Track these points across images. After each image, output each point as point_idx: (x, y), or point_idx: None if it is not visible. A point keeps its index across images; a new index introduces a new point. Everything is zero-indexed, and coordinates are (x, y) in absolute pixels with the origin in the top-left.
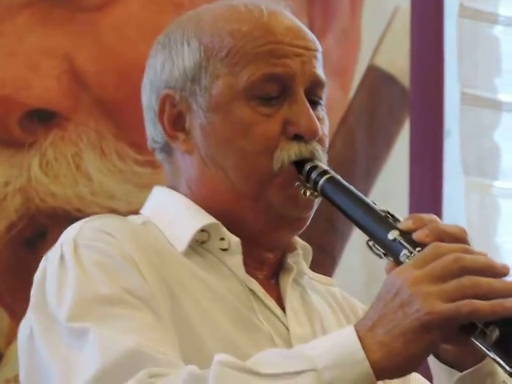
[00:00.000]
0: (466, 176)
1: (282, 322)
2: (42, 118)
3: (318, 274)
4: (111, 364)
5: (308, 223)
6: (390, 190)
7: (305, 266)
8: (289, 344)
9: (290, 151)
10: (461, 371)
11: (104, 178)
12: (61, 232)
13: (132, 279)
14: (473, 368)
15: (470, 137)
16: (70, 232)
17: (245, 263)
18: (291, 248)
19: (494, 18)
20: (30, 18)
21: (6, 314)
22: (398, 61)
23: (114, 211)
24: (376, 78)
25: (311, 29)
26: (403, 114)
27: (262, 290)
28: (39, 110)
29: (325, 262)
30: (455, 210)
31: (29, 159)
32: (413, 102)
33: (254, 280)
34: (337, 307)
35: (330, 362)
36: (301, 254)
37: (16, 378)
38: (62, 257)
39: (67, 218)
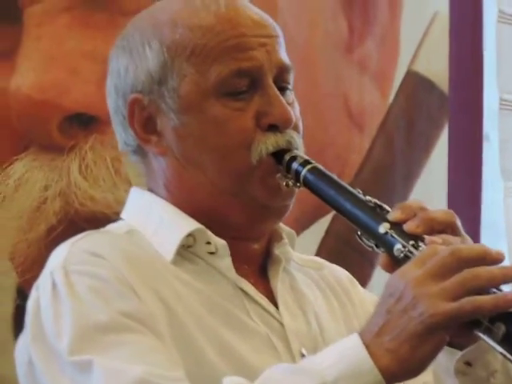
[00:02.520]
0: (504, 181)
1: (275, 319)
2: (82, 123)
3: (306, 258)
4: None
5: (289, 210)
6: (428, 195)
7: (292, 254)
8: (285, 340)
9: (267, 143)
10: (460, 350)
11: (143, 182)
12: None
13: (128, 301)
14: (472, 346)
15: (508, 142)
16: (58, 257)
17: (233, 263)
18: (277, 237)
19: None
20: (70, 22)
21: None
22: (437, 66)
23: None
24: (415, 83)
25: (351, 33)
26: (442, 119)
27: (253, 289)
28: (79, 114)
29: (362, 265)
30: (494, 215)
31: (68, 163)
32: (452, 107)
33: (244, 280)
34: (328, 291)
35: (339, 374)
36: (287, 242)
37: None
38: (54, 285)
39: (106, 222)
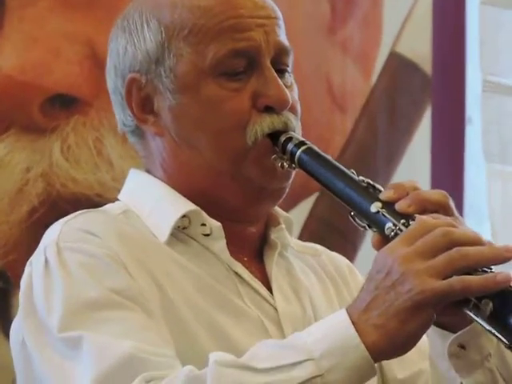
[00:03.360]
0: (487, 163)
1: (269, 303)
2: (64, 104)
3: (303, 244)
4: (107, 373)
5: (286, 192)
6: (411, 176)
7: (289, 239)
8: (278, 324)
9: (263, 124)
10: (454, 333)
11: (125, 164)
12: None
13: (120, 279)
14: (466, 328)
15: (491, 124)
16: (52, 234)
17: (228, 246)
18: (274, 222)
19: None
20: (52, 4)
21: None
22: (419, 47)
23: None
24: (398, 64)
25: (333, 15)
26: (425, 101)
27: (248, 273)
28: (61, 95)
29: (345, 248)
30: (477, 197)
31: (50, 144)
32: (434, 88)
33: (238, 263)
34: (325, 277)
35: (326, 349)
36: (284, 227)
37: None
38: (46, 262)
39: (88, 203)
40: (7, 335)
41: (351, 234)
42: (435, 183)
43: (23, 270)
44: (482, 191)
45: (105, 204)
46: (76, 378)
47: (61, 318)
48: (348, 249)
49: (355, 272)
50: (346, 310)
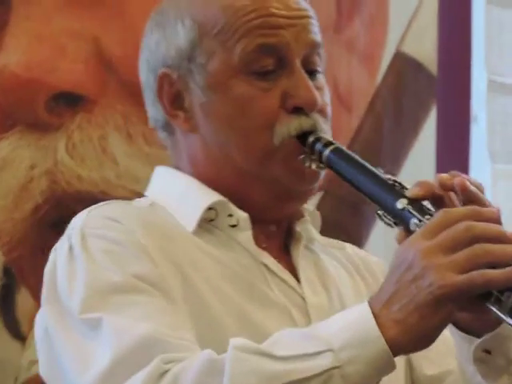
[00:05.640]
0: (492, 163)
1: (297, 293)
2: (69, 101)
3: (329, 240)
4: (125, 353)
5: (314, 194)
6: (416, 176)
7: (314, 232)
8: (306, 314)
9: (290, 126)
10: (479, 337)
11: (130, 162)
12: None
13: (142, 264)
14: (491, 333)
15: (496, 124)
16: (77, 221)
17: (254, 237)
18: (299, 215)
19: None
20: (57, 1)
21: (30, 296)
22: (425, 47)
23: (139, 195)
24: (403, 64)
25: (339, 13)
26: (430, 101)
27: (275, 262)
28: (66, 92)
29: None
30: None
31: (55, 142)
32: (440, 88)
33: (265, 253)
34: (353, 270)
35: (346, 341)
36: (309, 220)
37: None
38: (70, 248)
39: (93, 201)
40: (11, 331)
41: (356, 233)
42: None
43: (27, 267)
44: (487, 191)
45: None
46: (95, 358)
47: (82, 300)
48: None
49: (382, 265)
50: (369, 302)
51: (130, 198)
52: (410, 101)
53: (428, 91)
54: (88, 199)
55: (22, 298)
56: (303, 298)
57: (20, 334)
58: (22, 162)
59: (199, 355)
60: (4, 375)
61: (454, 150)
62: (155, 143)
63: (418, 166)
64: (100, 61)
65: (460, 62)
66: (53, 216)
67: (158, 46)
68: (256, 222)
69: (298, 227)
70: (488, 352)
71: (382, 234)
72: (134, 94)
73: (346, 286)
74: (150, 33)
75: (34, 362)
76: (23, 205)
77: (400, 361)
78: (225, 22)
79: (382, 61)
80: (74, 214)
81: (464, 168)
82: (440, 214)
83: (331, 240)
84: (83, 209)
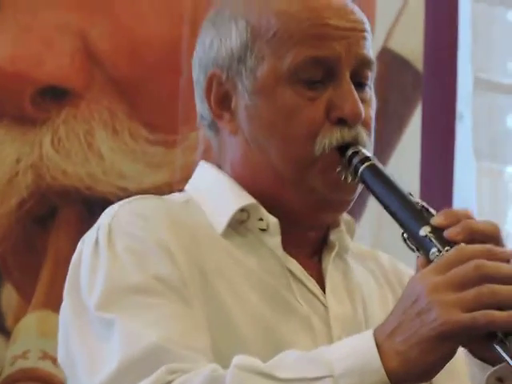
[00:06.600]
0: (477, 161)
1: (321, 302)
2: (55, 96)
3: (363, 249)
4: (131, 361)
5: (350, 205)
6: (401, 173)
7: (349, 241)
8: (327, 323)
9: (332, 137)
10: (493, 365)
11: (115, 157)
12: (71, 210)
13: (163, 266)
14: (504, 363)
15: (482, 121)
16: (107, 215)
17: (285, 242)
18: (335, 224)
19: (508, 2)
20: None
21: (14, 291)
22: (411, 44)
23: (124, 190)
24: (389, 60)
25: None
26: (416, 98)
27: (301, 270)
28: (52, 86)
29: None
30: (466, 195)
31: (41, 136)
32: (426, 85)
33: (293, 260)
34: (383, 281)
35: (347, 369)
36: (344, 229)
37: (24, 355)
38: (96, 241)
39: (78, 196)
40: None
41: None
42: (425, 180)
43: (12, 262)
44: (472, 189)
45: (94, 197)
46: (103, 362)
47: (99, 296)
48: None
49: None
50: (374, 331)
51: (115, 194)
52: (395, 97)
53: (414, 88)
54: (73, 194)
55: (7, 292)
56: (326, 307)
57: (4, 329)
58: (8, 156)
59: (203, 370)
60: None
61: (439, 147)
62: (141, 139)
63: (403, 163)
64: (87, 55)
65: (446, 58)
66: (38, 211)
67: (211, 44)
68: (287, 228)
69: (333, 236)
70: (501, 380)
71: (369, 229)
72: (120, 89)
73: (372, 297)
74: (205, 31)
75: (18, 357)
76: (8, 199)
77: None
78: (278, 27)
79: None
80: (59, 209)
81: (448, 166)
82: (454, 250)
83: (365, 249)
84: (68, 204)
